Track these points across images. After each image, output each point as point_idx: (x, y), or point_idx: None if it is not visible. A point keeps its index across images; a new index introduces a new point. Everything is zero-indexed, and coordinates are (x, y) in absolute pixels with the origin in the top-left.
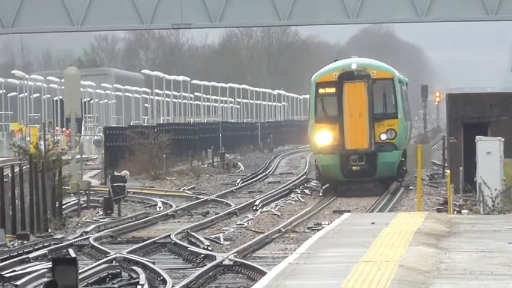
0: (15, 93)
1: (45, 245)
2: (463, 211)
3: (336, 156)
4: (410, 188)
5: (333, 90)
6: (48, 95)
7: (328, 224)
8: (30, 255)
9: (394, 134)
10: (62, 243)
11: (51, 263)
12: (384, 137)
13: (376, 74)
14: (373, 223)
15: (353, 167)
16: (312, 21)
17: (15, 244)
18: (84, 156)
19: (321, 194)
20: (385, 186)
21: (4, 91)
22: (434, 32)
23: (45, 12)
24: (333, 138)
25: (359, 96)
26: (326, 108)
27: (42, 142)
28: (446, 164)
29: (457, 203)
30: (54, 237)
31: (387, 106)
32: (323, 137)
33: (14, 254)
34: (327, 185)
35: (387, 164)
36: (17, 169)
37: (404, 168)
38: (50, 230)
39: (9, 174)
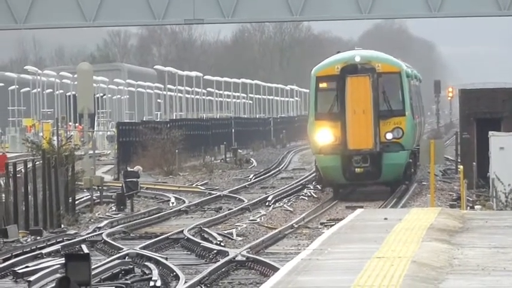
0: (28, 89)
1: (58, 240)
2: (476, 207)
3: (337, 157)
4: (423, 183)
5: (334, 84)
6: (61, 91)
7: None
8: (43, 251)
9: (401, 133)
10: (74, 238)
11: (64, 258)
12: (389, 136)
13: (381, 67)
14: (386, 219)
15: (356, 169)
16: (325, 16)
17: (28, 240)
18: (97, 151)
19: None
20: (391, 190)
21: (17, 87)
22: (446, 27)
23: (58, 7)
24: (334, 137)
25: (363, 92)
26: (327, 104)
27: (55, 137)
28: (459, 160)
29: (470, 199)
30: (67, 232)
31: (394, 102)
32: (323, 135)
33: (27, 249)
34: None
35: (393, 166)
36: (30, 164)
37: (412, 170)
38: (62, 226)
39: (22, 170)
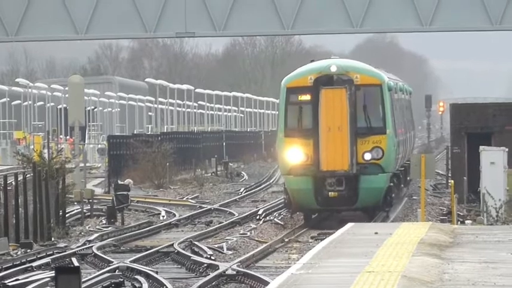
0: (19, 101)
1: (48, 253)
2: (466, 221)
3: (308, 179)
4: (413, 197)
5: (307, 97)
6: (52, 103)
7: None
8: (34, 264)
9: (380, 154)
10: (65, 252)
11: (54, 272)
12: (368, 156)
13: (360, 78)
14: (376, 233)
15: (329, 193)
16: (316, 30)
17: (19, 253)
18: (87, 164)
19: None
20: (369, 217)
21: (8, 99)
22: (438, 41)
23: (49, 20)
24: (306, 156)
25: (339, 106)
26: (298, 119)
27: (46, 150)
28: (450, 174)
29: (461, 213)
30: (58, 245)
31: (373, 119)
32: (294, 154)
33: (17, 262)
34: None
35: (371, 191)
36: (20, 177)
37: (393, 195)
38: (53, 239)
39: (13, 183)
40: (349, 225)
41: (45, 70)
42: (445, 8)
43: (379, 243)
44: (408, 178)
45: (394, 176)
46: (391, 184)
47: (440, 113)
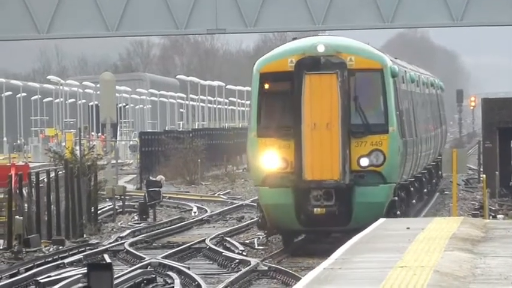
0: (50, 99)
1: (80, 250)
2: (498, 216)
3: (288, 192)
4: (445, 192)
5: (286, 85)
6: (83, 100)
7: None
8: (66, 261)
9: (381, 158)
10: (97, 248)
11: (86, 268)
12: (365, 162)
13: (355, 61)
14: (408, 228)
15: (315, 210)
16: (347, 25)
17: (51, 249)
18: (119, 161)
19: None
20: None
21: (40, 96)
22: (470, 36)
23: (80, 17)
24: (285, 162)
25: (327, 97)
26: (275, 113)
27: (77, 147)
28: (481, 169)
29: (493, 208)
30: (90, 242)
31: (372, 113)
32: (269, 159)
33: (50, 259)
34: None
35: (369, 206)
36: (52, 174)
37: (398, 213)
38: (85, 235)
39: (45, 180)
40: (381, 220)
41: (77, 67)
42: (475, 3)
43: (411, 238)
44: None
45: (401, 188)
46: (396, 198)
47: (471, 107)
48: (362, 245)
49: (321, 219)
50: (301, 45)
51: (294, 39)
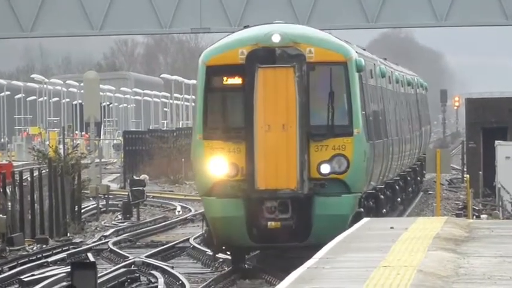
0: (34, 97)
1: (64, 249)
2: (482, 216)
3: (238, 203)
4: (429, 192)
5: (236, 80)
6: (67, 99)
7: None
8: (49, 260)
9: (345, 165)
10: (80, 247)
11: (70, 267)
12: (326, 169)
13: (315, 53)
14: (392, 228)
15: (269, 223)
16: (331, 25)
17: (34, 248)
18: (103, 160)
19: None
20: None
21: (23, 95)
22: (453, 36)
23: (64, 16)
24: (235, 168)
25: (283, 94)
26: (223, 113)
27: (61, 146)
28: (465, 169)
29: (476, 208)
30: (73, 241)
31: (334, 113)
32: (216, 165)
33: (33, 258)
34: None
35: (331, 219)
36: (36, 173)
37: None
38: (68, 234)
39: (29, 178)
40: (365, 219)
41: (61, 66)
42: (460, 3)
43: (395, 237)
44: (424, 171)
45: (368, 197)
46: (361, 210)
47: (455, 107)
48: (345, 244)
49: (275, 234)
50: (253, 34)
51: (246, 27)
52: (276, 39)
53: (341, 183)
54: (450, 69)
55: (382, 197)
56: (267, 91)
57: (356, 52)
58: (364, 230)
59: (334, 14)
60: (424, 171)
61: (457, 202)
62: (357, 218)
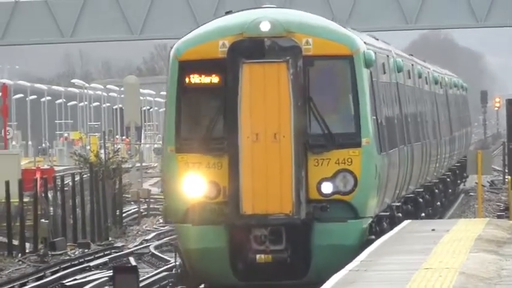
0: (75, 102)
1: (105, 253)
2: None
3: (219, 231)
4: (470, 194)
5: (215, 79)
6: (107, 104)
7: None
8: (91, 264)
9: (351, 183)
10: (122, 251)
11: (111, 271)
12: (328, 188)
13: (314, 45)
14: (433, 230)
15: (258, 256)
16: (371, 27)
17: (76, 252)
18: (144, 164)
19: None
20: None
21: (64, 100)
22: (493, 37)
23: (104, 21)
24: (215, 187)
25: (275, 96)
26: (201, 119)
27: (102, 151)
28: (506, 170)
29: None
30: (115, 245)
31: (338, 119)
32: (192, 184)
33: (75, 262)
34: None
35: (335, 251)
36: (77, 178)
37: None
38: (110, 239)
39: (70, 183)
40: (406, 222)
41: (101, 71)
42: (499, 4)
43: (437, 240)
44: (464, 174)
45: (379, 222)
46: (373, 237)
47: (496, 108)
48: (387, 247)
49: (266, 270)
50: (237, 21)
51: (228, 13)
52: (265, 27)
53: (346, 205)
54: (490, 70)
55: (400, 214)
56: (254, 92)
57: (365, 43)
58: (405, 232)
59: (373, 15)
60: (465, 174)
61: (498, 204)
62: (365, 247)
